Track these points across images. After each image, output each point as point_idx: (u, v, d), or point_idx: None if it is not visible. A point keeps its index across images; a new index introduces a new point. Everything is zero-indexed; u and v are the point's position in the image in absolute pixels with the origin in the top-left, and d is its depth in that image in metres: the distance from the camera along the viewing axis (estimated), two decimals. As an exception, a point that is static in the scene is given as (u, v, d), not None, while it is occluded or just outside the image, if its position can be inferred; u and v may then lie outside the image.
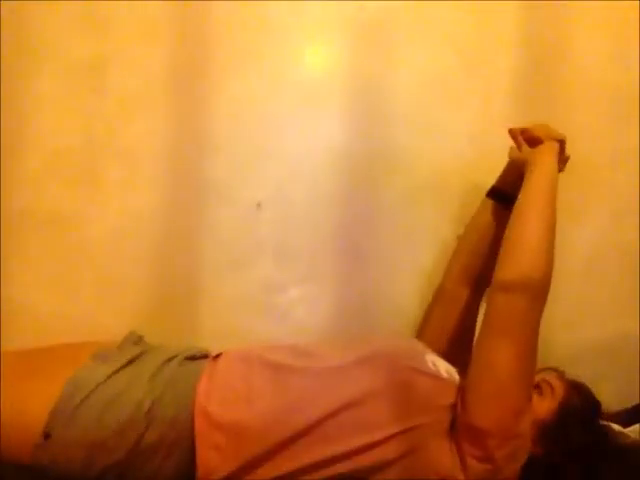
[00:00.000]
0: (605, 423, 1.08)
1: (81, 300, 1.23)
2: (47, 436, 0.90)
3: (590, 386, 1.07)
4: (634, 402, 1.36)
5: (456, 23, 1.35)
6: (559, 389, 1.03)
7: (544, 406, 1.01)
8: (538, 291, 0.98)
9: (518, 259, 0.99)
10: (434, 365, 1.04)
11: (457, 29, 1.35)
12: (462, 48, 1.36)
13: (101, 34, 1.22)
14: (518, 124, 1.17)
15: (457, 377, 1.04)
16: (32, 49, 1.19)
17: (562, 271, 1.41)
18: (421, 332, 1.27)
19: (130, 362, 1.01)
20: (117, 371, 0.98)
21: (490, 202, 1.24)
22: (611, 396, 1.18)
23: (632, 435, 1.12)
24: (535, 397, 1.01)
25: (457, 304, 1.23)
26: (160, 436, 0.93)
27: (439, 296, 1.27)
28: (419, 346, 1.12)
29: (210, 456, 0.93)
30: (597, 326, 1.46)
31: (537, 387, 1.03)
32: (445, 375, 1.02)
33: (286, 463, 0.93)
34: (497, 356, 0.95)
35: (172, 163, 1.26)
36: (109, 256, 1.24)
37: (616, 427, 1.11)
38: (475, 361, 0.99)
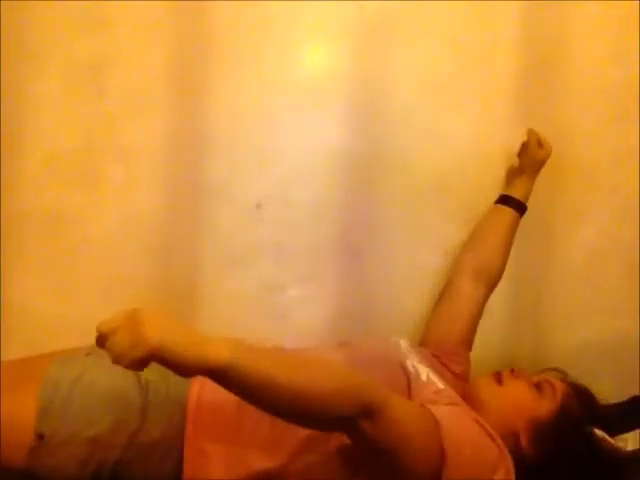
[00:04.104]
0: (600, 435, 1.05)
1: (81, 300, 1.23)
2: (41, 437, 0.89)
3: (590, 385, 1.07)
4: (633, 401, 1.36)
5: (456, 23, 1.35)
6: (560, 390, 1.02)
7: (544, 406, 1.00)
8: None
9: None
10: (414, 367, 1.03)
11: (457, 29, 1.35)
12: (462, 49, 1.36)
13: (101, 34, 1.22)
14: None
15: (438, 382, 1.01)
16: (32, 49, 1.19)
17: (562, 271, 1.43)
18: (429, 330, 1.26)
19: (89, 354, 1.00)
20: (86, 362, 0.97)
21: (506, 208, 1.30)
22: (611, 396, 1.18)
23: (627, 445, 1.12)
24: (534, 395, 1.01)
25: (467, 301, 1.24)
26: (155, 435, 0.92)
27: (449, 293, 1.27)
28: (401, 348, 1.11)
29: (196, 461, 0.92)
30: (597, 326, 1.46)
31: (537, 386, 1.03)
32: (424, 379, 1.01)
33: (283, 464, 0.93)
34: None
35: (172, 163, 1.26)
36: (109, 256, 1.24)
37: (611, 440, 1.10)
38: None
